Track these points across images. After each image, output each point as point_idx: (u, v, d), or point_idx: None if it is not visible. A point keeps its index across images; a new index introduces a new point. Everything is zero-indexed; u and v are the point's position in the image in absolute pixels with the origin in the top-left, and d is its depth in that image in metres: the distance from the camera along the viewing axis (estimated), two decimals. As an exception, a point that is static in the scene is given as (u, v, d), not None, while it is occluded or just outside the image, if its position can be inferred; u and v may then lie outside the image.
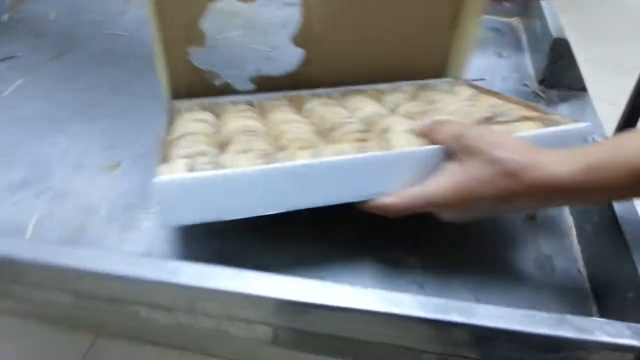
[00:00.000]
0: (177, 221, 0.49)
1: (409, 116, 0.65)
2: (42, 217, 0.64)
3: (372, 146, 0.52)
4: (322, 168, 0.49)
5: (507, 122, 0.59)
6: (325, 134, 0.61)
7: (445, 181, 0.49)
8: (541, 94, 0.90)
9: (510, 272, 0.58)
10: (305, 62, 0.79)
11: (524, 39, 1.07)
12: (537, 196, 0.48)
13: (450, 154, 0.51)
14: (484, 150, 0.49)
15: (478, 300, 0.55)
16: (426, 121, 0.54)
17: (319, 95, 0.77)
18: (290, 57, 0.80)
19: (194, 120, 0.67)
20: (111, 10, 1.14)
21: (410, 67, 0.82)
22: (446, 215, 0.52)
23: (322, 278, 0.51)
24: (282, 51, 1.00)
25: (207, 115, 0.70)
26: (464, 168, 0.49)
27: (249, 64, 0.95)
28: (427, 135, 0.53)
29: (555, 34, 0.87)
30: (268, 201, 0.49)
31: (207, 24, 0.74)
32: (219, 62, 0.81)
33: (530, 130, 0.57)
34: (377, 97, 0.77)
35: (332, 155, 0.50)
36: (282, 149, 0.56)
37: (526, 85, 0.92)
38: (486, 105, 0.68)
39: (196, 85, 0.79)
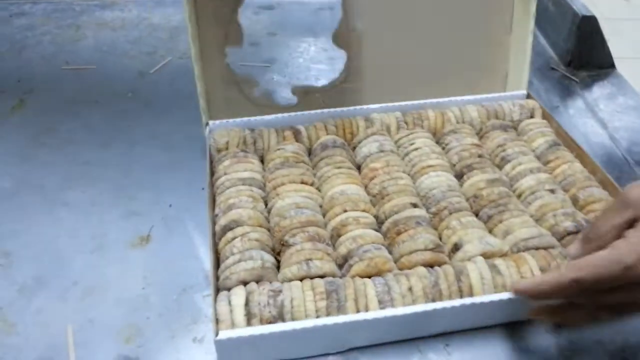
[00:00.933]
0: None
1: (478, 198, 0.58)
2: (80, 326, 0.50)
3: (444, 279, 0.49)
4: (389, 320, 0.46)
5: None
6: (390, 236, 0.54)
7: None
8: (572, 77, 0.84)
9: None
10: (351, 73, 0.70)
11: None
12: None
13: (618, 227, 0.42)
14: None
15: None
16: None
17: (371, 123, 0.68)
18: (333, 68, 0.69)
19: (240, 184, 0.58)
20: (62, 40, 0.96)
21: (469, 78, 0.74)
22: None
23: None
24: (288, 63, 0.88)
25: (253, 169, 0.60)
26: None
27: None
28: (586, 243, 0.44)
29: (580, 11, 0.82)
30: (330, 344, 0.48)
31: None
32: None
33: None
34: (439, 127, 0.69)
35: (401, 294, 0.48)
36: (345, 259, 0.52)
37: (554, 69, 0.87)
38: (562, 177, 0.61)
39: (234, 97, 0.69)
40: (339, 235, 0.54)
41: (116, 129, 0.75)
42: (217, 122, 0.67)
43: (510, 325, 0.50)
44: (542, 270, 0.49)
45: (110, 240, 0.59)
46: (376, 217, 0.57)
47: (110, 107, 0.79)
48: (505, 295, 0.47)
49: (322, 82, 0.70)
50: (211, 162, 0.63)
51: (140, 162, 0.69)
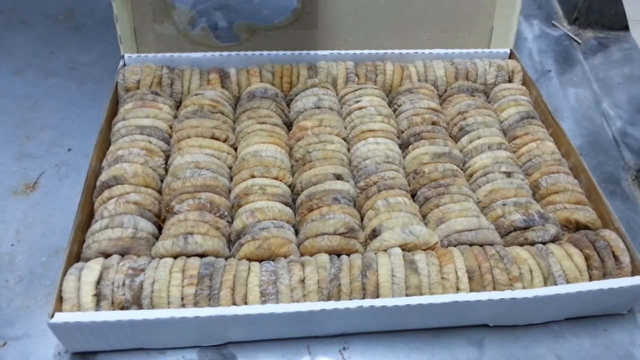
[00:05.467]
0: (83, 349, 0.40)
1: (419, 175, 0.49)
2: None
3: (347, 272, 0.41)
4: (267, 317, 0.38)
5: (541, 242, 0.44)
6: (302, 212, 0.45)
7: None
8: (575, 37, 0.72)
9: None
10: (305, 13, 0.60)
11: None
12: None
13: None
14: None
15: None
16: None
17: (315, 72, 0.58)
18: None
19: (137, 133, 0.49)
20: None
21: (447, 29, 0.63)
22: None
23: None
24: None
25: (158, 116, 0.51)
26: None
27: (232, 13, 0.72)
28: None
29: (595, -42, 0.69)
30: (198, 337, 0.40)
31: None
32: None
33: (563, 259, 0.43)
34: (396, 83, 0.58)
35: (290, 286, 0.40)
36: (238, 236, 0.43)
37: (555, 25, 0.74)
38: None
39: (167, 32, 0.59)
40: (240, 206, 0.45)
41: (36, 54, 0.66)
42: (134, 55, 0.57)
43: (422, 332, 0.42)
44: (470, 272, 0.41)
45: (-9, 184, 0.51)
46: (293, 187, 0.48)
47: (36, 30, 0.70)
48: (415, 300, 0.39)
49: (270, 20, 0.60)
50: (118, 102, 0.54)
51: (51, 95, 0.61)
